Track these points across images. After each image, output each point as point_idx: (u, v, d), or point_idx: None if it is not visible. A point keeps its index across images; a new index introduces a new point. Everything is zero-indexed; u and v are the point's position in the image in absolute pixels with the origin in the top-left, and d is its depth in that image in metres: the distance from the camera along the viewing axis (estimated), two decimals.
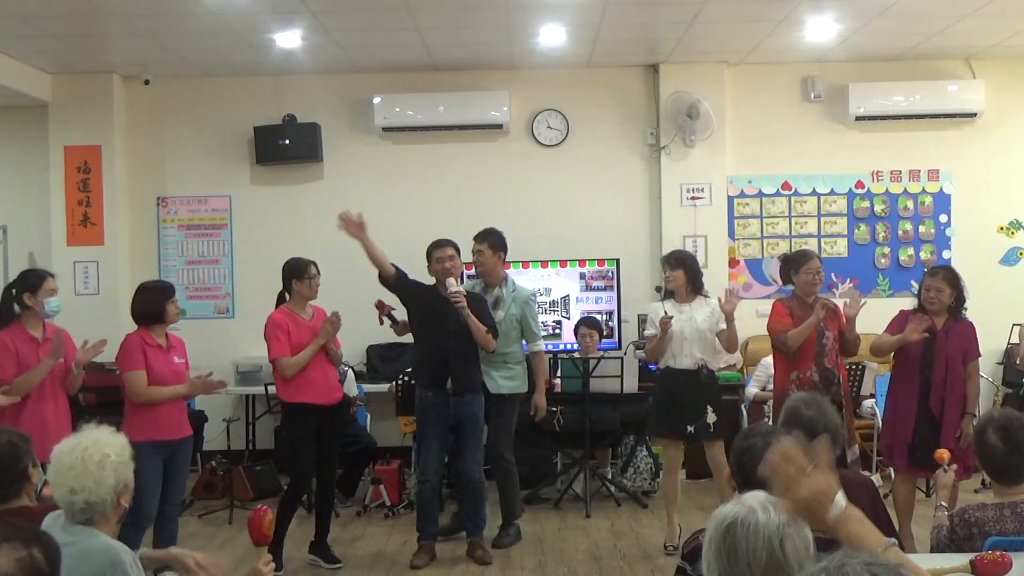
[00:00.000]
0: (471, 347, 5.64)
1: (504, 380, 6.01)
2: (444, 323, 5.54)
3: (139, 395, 4.94)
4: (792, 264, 5.82)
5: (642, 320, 6.36)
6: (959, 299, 5.44)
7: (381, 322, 5.98)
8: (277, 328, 5.51)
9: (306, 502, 6.88)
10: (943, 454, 3.83)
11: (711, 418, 5.71)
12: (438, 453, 5.72)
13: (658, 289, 5.93)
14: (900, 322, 5.52)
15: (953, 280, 5.44)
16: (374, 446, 7.35)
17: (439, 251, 5.68)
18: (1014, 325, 7.76)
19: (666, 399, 5.81)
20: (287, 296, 5.67)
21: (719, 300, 5.73)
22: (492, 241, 6.03)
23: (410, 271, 5.94)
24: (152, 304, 5.11)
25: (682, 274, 5.78)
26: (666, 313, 5.69)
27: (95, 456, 2.74)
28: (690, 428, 5.72)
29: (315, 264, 5.74)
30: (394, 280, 5.68)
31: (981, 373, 6.11)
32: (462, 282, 5.88)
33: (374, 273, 8.10)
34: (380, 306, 5.90)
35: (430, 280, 5.80)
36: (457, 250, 5.75)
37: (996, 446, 3.24)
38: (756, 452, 2.80)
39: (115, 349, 5.16)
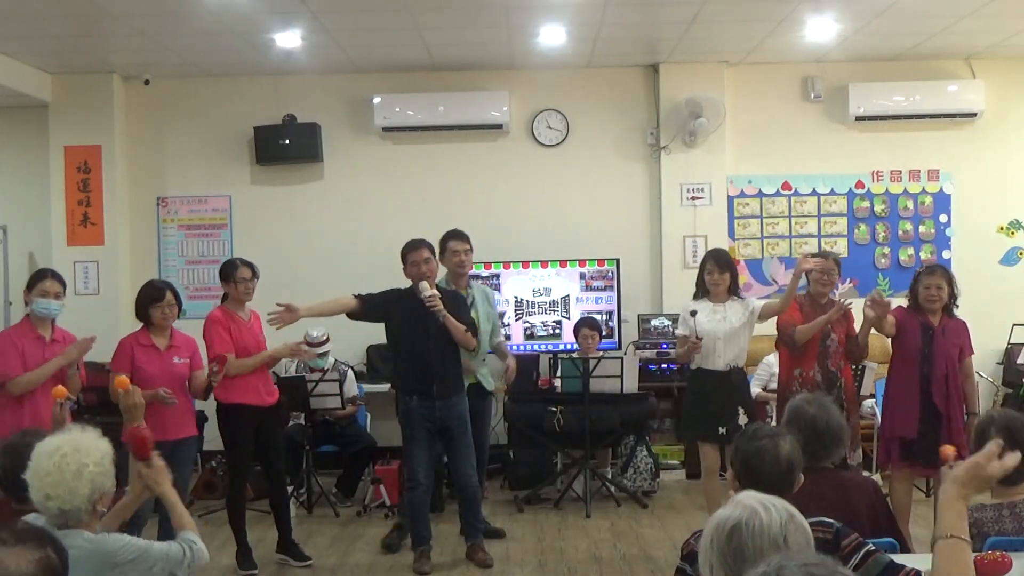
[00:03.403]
0: (452, 348, 5.57)
1: (489, 376, 6.11)
2: (424, 327, 5.44)
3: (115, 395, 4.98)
4: None
5: (638, 318, 6.34)
6: (952, 297, 5.51)
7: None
8: (217, 325, 5.48)
9: (306, 502, 6.91)
10: (949, 451, 3.81)
11: (743, 420, 5.62)
12: (427, 456, 5.62)
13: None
14: (899, 315, 5.56)
15: (950, 278, 5.54)
16: (374, 446, 7.36)
17: (414, 253, 5.55)
18: (1014, 325, 7.77)
19: (698, 400, 5.74)
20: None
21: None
22: (470, 242, 6.04)
23: None
24: (139, 303, 5.20)
25: (728, 276, 5.73)
26: (693, 313, 5.63)
27: (72, 465, 2.71)
28: (722, 430, 5.61)
29: (250, 267, 5.65)
30: (360, 311, 5.52)
31: (981, 373, 6.12)
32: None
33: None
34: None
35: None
36: (433, 251, 5.68)
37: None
38: (766, 454, 2.80)
39: (112, 349, 5.18)
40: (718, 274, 5.71)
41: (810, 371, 5.63)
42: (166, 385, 5.06)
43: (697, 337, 5.58)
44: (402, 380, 5.73)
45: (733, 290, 5.78)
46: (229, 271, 5.63)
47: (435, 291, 5.46)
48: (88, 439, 2.81)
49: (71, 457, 2.73)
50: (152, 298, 5.17)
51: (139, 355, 5.08)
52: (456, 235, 6.09)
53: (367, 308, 5.55)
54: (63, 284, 5.03)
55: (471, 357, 5.94)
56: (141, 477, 3.14)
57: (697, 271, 5.89)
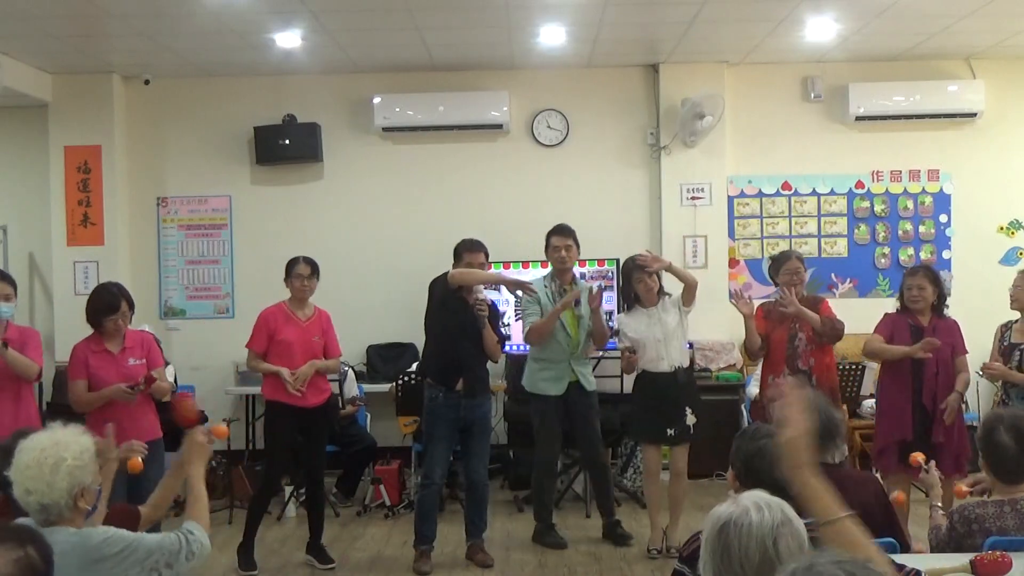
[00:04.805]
0: (483, 351, 5.67)
1: (591, 375, 6.11)
2: (462, 324, 5.56)
3: (78, 404, 4.99)
4: (774, 265, 5.86)
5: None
6: (941, 296, 5.48)
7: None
8: (259, 322, 5.66)
9: (306, 502, 6.90)
10: (917, 458, 3.89)
11: (690, 420, 5.74)
12: (445, 455, 5.70)
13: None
14: (888, 325, 5.52)
15: (933, 278, 5.50)
16: (374, 446, 7.36)
17: (471, 256, 5.65)
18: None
19: (645, 403, 5.82)
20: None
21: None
22: (575, 237, 6.05)
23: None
24: (92, 312, 5.07)
25: (657, 279, 5.84)
26: (625, 337, 5.75)
27: (50, 459, 2.70)
28: (670, 431, 5.75)
29: (311, 264, 5.71)
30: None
31: (980, 372, 6.10)
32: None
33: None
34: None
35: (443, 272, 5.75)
36: (487, 256, 5.77)
37: (1009, 446, 3.25)
38: (767, 453, 2.79)
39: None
40: (649, 280, 5.79)
41: (780, 375, 5.60)
42: None
43: (632, 351, 5.69)
44: (430, 368, 5.77)
45: (659, 291, 5.86)
46: (289, 267, 5.72)
47: (486, 297, 5.67)
48: (68, 434, 2.80)
49: (49, 451, 2.71)
50: (108, 309, 5.01)
51: (93, 361, 4.99)
52: (558, 231, 6.06)
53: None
54: (13, 285, 5.02)
55: (574, 356, 5.99)
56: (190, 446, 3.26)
57: (624, 284, 5.93)
